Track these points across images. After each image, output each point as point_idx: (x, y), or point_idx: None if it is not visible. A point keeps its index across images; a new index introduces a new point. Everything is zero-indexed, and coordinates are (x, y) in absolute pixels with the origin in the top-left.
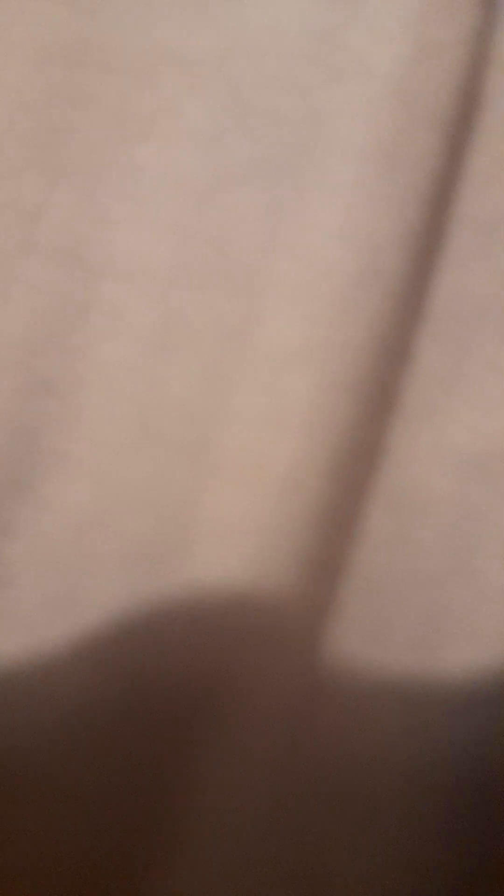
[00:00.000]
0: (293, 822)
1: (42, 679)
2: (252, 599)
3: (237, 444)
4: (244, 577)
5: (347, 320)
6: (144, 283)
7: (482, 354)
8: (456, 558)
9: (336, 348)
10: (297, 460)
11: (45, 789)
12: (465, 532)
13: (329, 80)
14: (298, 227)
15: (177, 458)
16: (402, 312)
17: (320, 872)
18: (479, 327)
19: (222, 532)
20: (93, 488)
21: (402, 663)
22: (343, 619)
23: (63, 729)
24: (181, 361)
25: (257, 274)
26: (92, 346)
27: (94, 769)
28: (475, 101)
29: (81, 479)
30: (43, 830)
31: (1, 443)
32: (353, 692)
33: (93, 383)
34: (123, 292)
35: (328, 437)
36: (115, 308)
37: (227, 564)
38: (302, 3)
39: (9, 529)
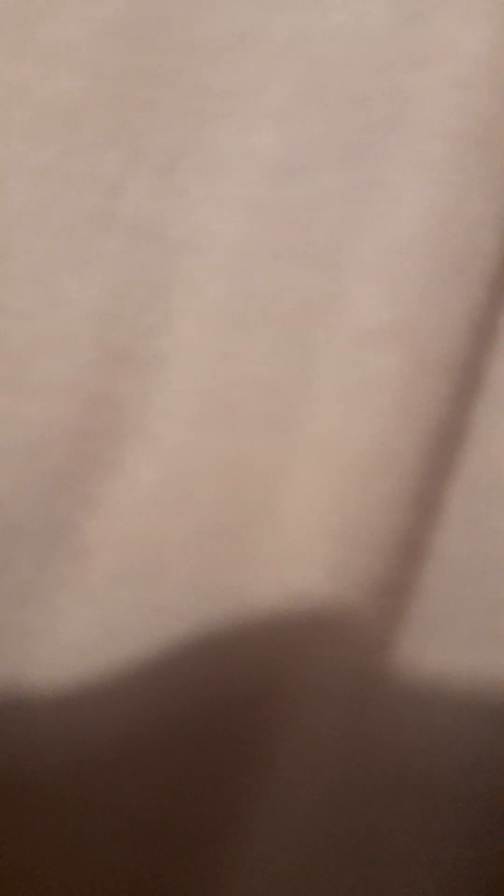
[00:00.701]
0: (353, 818)
1: (110, 650)
2: (333, 577)
3: (321, 421)
4: (326, 553)
5: (437, 299)
6: (223, 260)
7: None
8: None
9: (425, 327)
10: (384, 438)
11: (112, 763)
12: None
13: (416, 62)
14: (385, 204)
15: (257, 434)
16: (492, 293)
17: (378, 871)
18: None
19: (304, 508)
20: (170, 463)
21: (468, 651)
22: (417, 602)
23: (132, 705)
24: (261, 337)
25: (341, 251)
26: (170, 322)
27: (163, 750)
28: None
29: (159, 454)
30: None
31: (80, 416)
32: (417, 681)
33: (171, 359)
34: (202, 269)
35: (415, 415)
36: (194, 284)
37: (309, 541)
38: None
39: (88, 502)
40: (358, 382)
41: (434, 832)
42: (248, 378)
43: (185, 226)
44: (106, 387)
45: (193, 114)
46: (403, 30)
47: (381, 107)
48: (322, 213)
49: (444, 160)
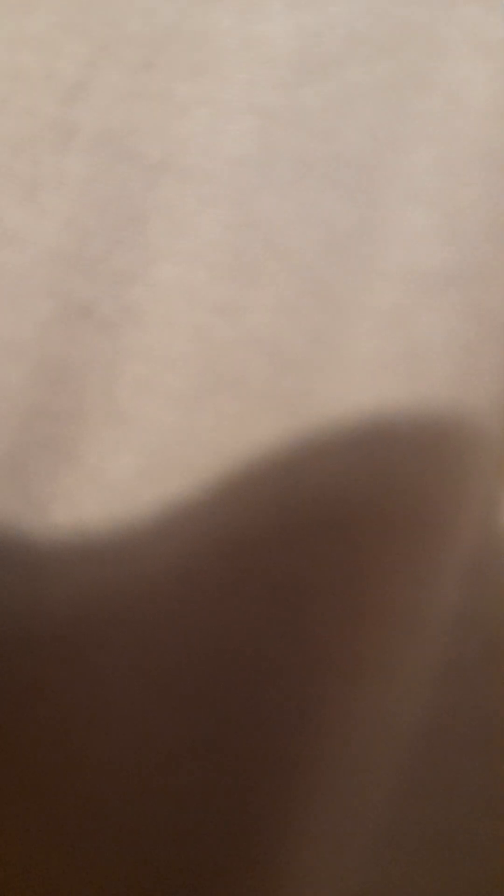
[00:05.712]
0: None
1: (129, 558)
2: None
3: (353, 394)
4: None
5: (501, 232)
6: (218, 185)
7: None
8: None
9: (487, 272)
10: (434, 411)
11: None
12: None
13: None
14: (433, 104)
15: (261, 411)
16: None
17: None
18: None
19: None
20: (145, 445)
21: None
22: None
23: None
24: (269, 285)
25: (372, 172)
26: (146, 265)
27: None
28: None
29: (130, 433)
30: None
31: (30, 386)
32: None
33: (146, 313)
34: (188, 196)
35: (474, 383)
36: (178, 216)
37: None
38: None
39: (42, 505)
40: (400, 341)
41: None
42: (249, 338)
43: (166, 140)
44: (63, 349)
45: None
46: None
47: None
48: (350, 120)
49: None
